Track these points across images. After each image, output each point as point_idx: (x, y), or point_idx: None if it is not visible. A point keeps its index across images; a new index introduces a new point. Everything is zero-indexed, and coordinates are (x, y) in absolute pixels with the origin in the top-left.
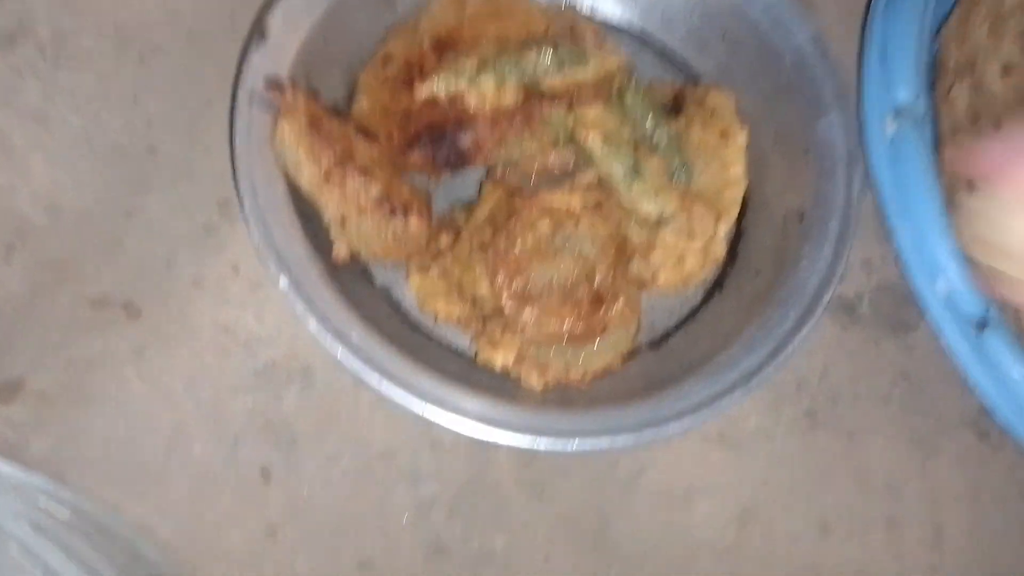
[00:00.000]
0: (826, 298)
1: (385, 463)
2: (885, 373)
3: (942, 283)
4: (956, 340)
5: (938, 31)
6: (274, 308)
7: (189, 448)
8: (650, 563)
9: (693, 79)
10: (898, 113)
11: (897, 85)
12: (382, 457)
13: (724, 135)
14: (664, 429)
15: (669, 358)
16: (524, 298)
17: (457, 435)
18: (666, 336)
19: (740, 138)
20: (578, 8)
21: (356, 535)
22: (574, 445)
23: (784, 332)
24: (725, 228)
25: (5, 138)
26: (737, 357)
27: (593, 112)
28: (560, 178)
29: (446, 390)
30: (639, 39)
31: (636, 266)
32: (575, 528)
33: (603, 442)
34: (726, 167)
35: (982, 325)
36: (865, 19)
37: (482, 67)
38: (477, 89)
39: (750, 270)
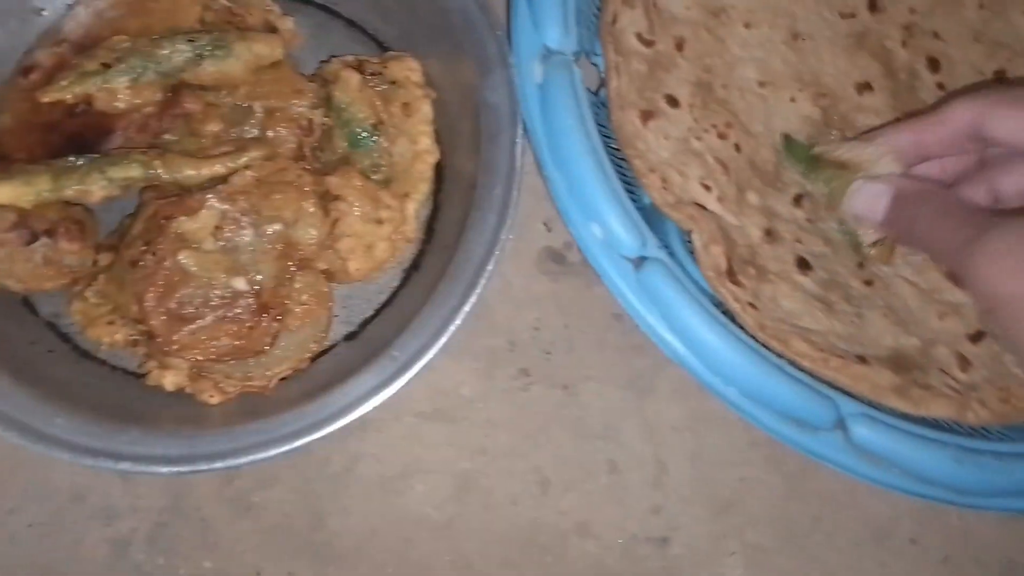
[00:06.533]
0: (489, 268)
1: (75, 506)
2: (598, 318)
3: (597, 227)
4: (615, 280)
5: None
6: None
7: None
8: (367, 555)
9: (382, 48)
10: (546, 57)
11: (545, 27)
12: (72, 501)
13: (407, 108)
14: (316, 433)
15: (364, 348)
16: (178, 319)
17: None
18: (364, 325)
19: (424, 109)
20: None
21: None
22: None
23: (448, 310)
24: (414, 207)
25: None
26: (405, 342)
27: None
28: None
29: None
30: (326, 10)
31: (326, 257)
32: (287, 535)
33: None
34: (414, 141)
35: (639, 263)
36: None
37: (107, 66)
38: (108, 89)
39: (442, 246)
